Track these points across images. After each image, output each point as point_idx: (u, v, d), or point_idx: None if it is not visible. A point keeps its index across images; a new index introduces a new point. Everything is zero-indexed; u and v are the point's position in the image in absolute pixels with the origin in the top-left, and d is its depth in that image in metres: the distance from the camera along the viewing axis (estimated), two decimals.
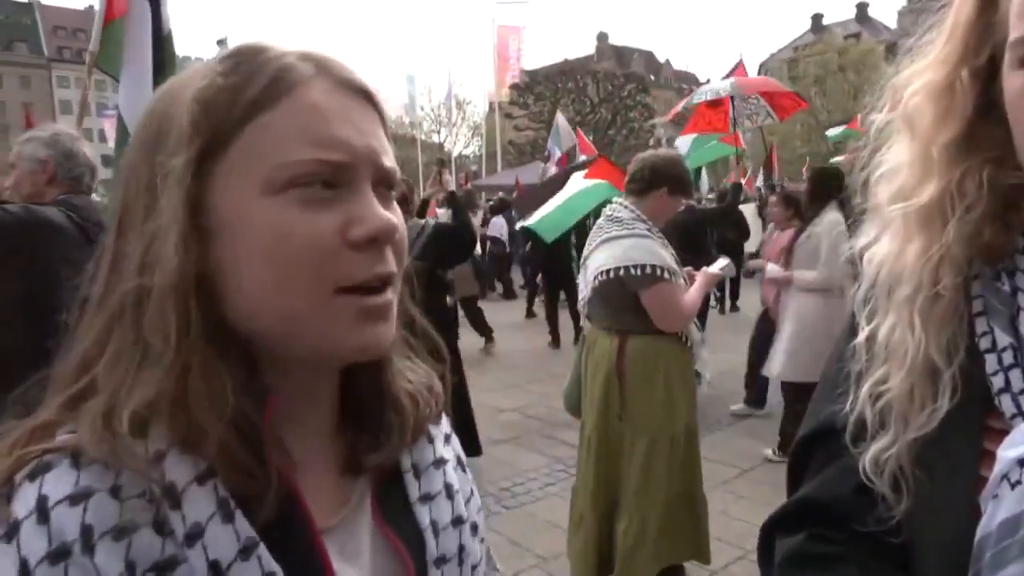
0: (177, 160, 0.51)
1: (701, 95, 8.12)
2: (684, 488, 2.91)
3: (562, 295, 8.35)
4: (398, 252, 0.57)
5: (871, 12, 70.80)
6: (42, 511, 0.46)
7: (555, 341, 8.29)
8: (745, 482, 4.28)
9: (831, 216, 4.35)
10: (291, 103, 0.52)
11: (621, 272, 2.71)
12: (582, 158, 13.65)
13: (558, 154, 12.91)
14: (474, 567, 0.67)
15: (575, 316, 7.74)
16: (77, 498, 0.47)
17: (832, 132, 14.24)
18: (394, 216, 0.55)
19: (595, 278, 2.81)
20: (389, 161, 0.57)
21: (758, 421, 5.37)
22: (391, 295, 0.56)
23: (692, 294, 2.83)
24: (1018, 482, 0.55)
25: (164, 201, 0.51)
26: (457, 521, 0.66)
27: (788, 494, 0.80)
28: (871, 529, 0.67)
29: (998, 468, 0.57)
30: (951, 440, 0.63)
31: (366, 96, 0.57)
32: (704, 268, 3.03)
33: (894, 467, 0.65)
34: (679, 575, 3.02)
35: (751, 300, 7.38)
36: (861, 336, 0.71)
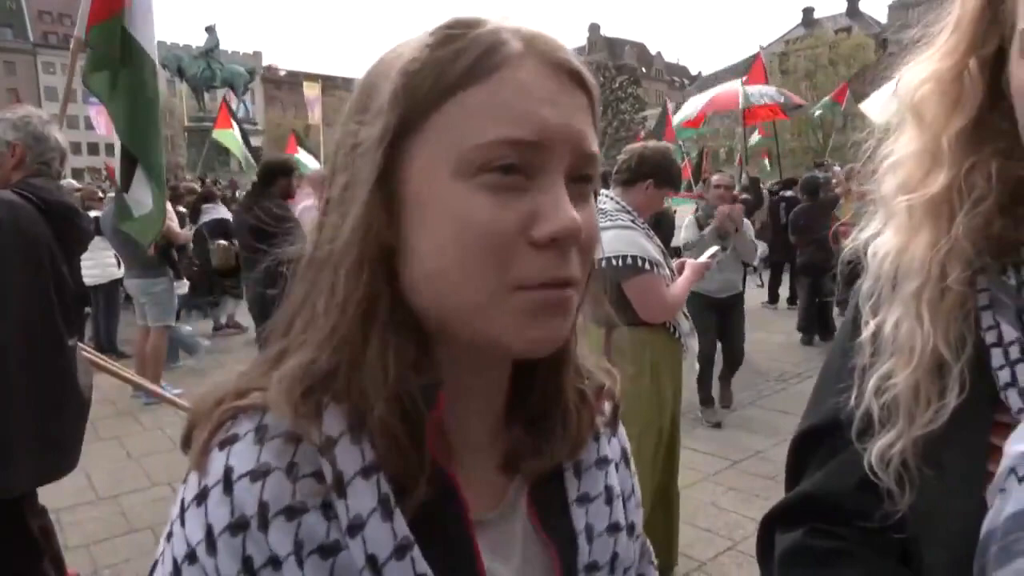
0: (372, 131, 0.51)
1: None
2: (662, 480, 2.93)
3: None
4: (584, 255, 0.54)
5: (862, 6, 71.25)
6: (227, 482, 0.49)
7: None
8: (735, 474, 4.30)
9: None
10: (494, 82, 0.50)
11: (603, 263, 2.69)
12: None
13: None
14: (626, 570, 0.65)
15: None
16: (257, 474, 0.49)
17: (817, 110, 14.21)
18: (583, 216, 0.52)
19: None
20: (591, 146, 0.53)
21: (749, 413, 5.39)
22: (572, 293, 0.53)
23: (679, 285, 2.82)
24: None
25: (356, 173, 0.52)
26: (614, 528, 0.64)
27: (787, 488, 0.80)
28: (874, 525, 0.67)
29: (1005, 462, 0.56)
30: (958, 435, 0.62)
31: (575, 78, 0.53)
32: (687, 259, 3.03)
33: (900, 462, 0.64)
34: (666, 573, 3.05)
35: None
36: (867, 330, 0.70)
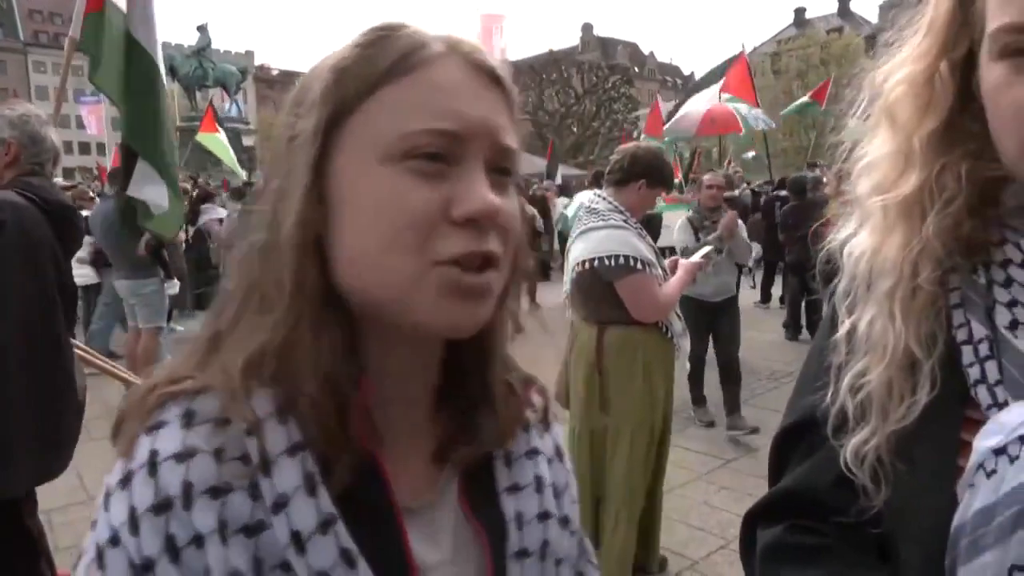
0: (307, 124, 0.55)
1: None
2: (650, 480, 2.95)
3: None
4: (504, 236, 0.56)
5: (853, 6, 71.44)
6: (152, 464, 0.50)
7: None
8: (727, 472, 4.32)
9: None
10: (417, 77, 0.54)
11: (595, 263, 2.71)
12: None
13: None
14: (559, 561, 0.66)
15: None
16: (182, 456, 0.50)
17: (791, 107, 13.95)
18: (501, 200, 0.55)
19: (573, 270, 2.82)
20: (509, 140, 0.57)
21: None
22: (492, 276, 0.56)
23: (672, 284, 2.84)
24: (993, 471, 0.56)
25: (293, 163, 0.55)
26: (543, 516, 0.65)
27: (770, 485, 0.81)
28: (851, 520, 0.68)
29: (974, 458, 0.57)
30: (930, 431, 0.64)
31: (494, 79, 0.58)
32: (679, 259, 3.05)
33: (874, 458, 0.65)
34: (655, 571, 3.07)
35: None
36: (842, 329, 0.71)
